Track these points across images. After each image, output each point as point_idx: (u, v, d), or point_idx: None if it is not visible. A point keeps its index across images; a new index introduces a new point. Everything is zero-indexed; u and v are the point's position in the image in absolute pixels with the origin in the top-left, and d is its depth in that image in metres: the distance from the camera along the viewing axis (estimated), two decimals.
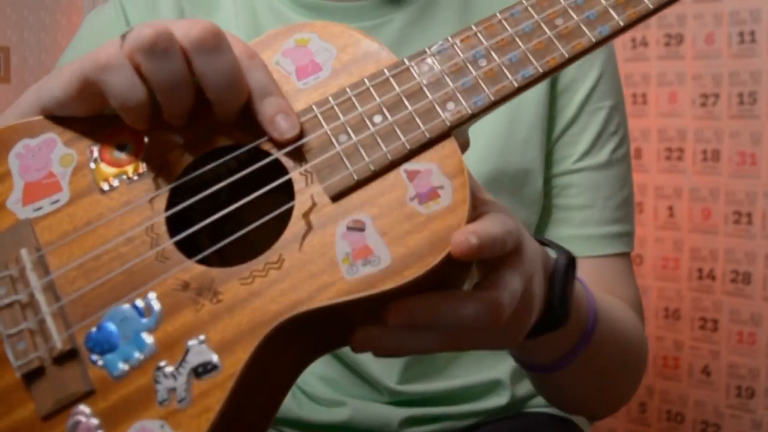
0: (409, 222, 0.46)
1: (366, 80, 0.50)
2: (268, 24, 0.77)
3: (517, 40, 0.50)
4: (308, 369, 0.78)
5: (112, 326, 0.46)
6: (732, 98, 1.46)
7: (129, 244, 0.48)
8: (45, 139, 0.51)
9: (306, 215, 0.47)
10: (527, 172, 0.76)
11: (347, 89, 0.50)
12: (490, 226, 0.46)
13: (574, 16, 0.50)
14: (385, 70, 0.50)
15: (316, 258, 0.46)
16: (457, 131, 0.49)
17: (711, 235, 1.51)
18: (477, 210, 0.49)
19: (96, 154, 0.50)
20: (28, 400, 0.46)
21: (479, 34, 0.51)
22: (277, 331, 0.45)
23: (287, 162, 0.49)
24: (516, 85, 0.49)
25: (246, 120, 0.49)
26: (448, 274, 0.48)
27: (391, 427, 0.77)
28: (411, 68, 0.50)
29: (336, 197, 0.47)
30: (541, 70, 0.50)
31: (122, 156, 0.50)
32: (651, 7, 0.51)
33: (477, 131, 0.74)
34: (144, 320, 0.46)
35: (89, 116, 0.51)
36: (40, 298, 0.47)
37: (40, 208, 0.49)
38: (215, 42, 0.47)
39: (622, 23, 0.50)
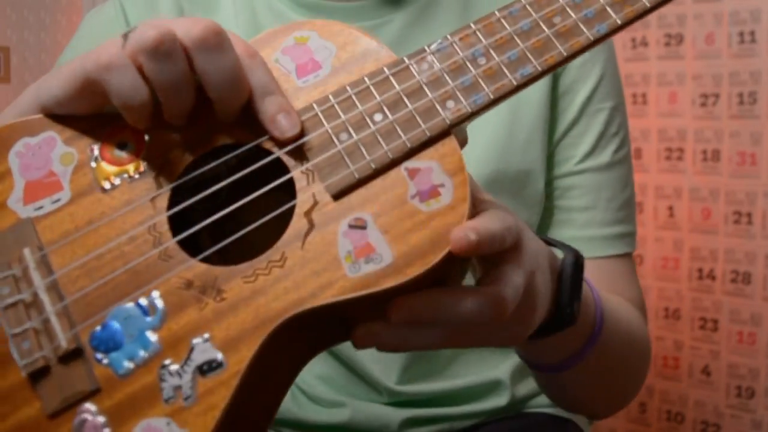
0: (410, 220, 0.46)
1: (366, 78, 0.50)
2: (267, 24, 0.77)
3: (516, 38, 0.50)
4: (308, 369, 0.79)
5: (116, 325, 0.46)
6: (732, 98, 1.46)
7: (131, 243, 0.48)
8: (45, 138, 0.51)
9: (308, 213, 0.47)
10: (528, 173, 0.76)
11: (347, 87, 0.50)
12: (488, 222, 0.47)
13: (572, 14, 0.51)
14: (385, 69, 0.50)
15: (319, 256, 0.46)
16: (456, 129, 0.50)
17: (711, 235, 1.51)
18: (476, 209, 0.49)
19: (96, 152, 0.50)
20: (33, 399, 0.46)
21: (478, 33, 0.51)
22: (280, 328, 0.46)
23: (288, 161, 0.49)
24: (515, 83, 0.50)
25: (246, 119, 0.49)
26: (448, 270, 0.49)
27: (390, 428, 0.77)
28: (410, 66, 0.50)
29: (337, 195, 0.48)
30: (539, 69, 0.50)
31: (123, 155, 0.50)
32: (648, 5, 0.51)
33: (477, 132, 0.75)
34: (148, 319, 0.46)
35: (89, 114, 0.51)
36: (44, 297, 0.47)
37: (41, 207, 0.49)
38: (217, 41, 0.47)
39: (619, 21, 0.51)
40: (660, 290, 1.57)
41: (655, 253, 1.57)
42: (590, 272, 0.77)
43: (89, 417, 0.45)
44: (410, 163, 0.48)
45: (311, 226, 0.47)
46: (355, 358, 0.76)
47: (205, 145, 0.50)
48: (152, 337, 0.46)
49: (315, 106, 0.50)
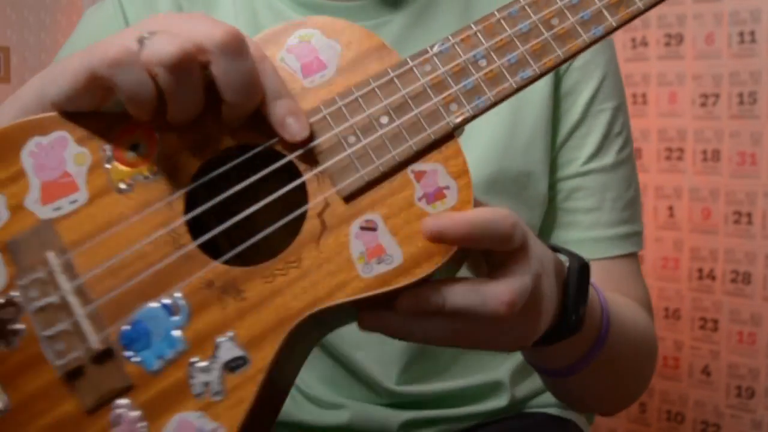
0: (417, 222, 0.49)
1: (371, 80, 0.51)
2: (267, 23, 0.77)
3: (516, 40, 0.52)
4: (307, 370, 0.79)
5: (143, 325, 0.49)
6: (732, 98, 1.46)
7: (152, 245, 0.50)
8: (57, 138, 0.51)
9: (320, 215, 0.50)
10: (529, 174, 0.76)
11: (353, 89, 0.51)
12: (470, 214, 0.48)
13: (570, 16, 0.52)
14: (389, 71, 0.51)
15: (333, 257, 0.49)
16: (457, 131, 0.51)
17: (711, 235, 1.51)
18: None
19: (110, 153, 0.51)
20: (70, 397, 0.48)
21: (479, 34, 0.52)
22: (299, 326, 0.49)
23: (299, 163, 0.51)
24: (515, 86, 0.52)
25: (256, 120, 0.50)
26: (456, 269, 0.52)
27: (390, 429, 0.77)
28: (414, 69, 0.51)
29: (348, 198, 0.50)
30: (538, 72, 0.52)
31: (136, 155, 0.51)
32: (642, 7, 0.53)
33: (478, 133, 0.75)
34: (174, 318, 0.49)
35: (96, 113, 0.52)
36: (72, 300, 0.49)
37: (59, 208, 0.50)
38: (238, 46, 0.47)
39: (614, 24, 0.52)
40: (660, 290, 1.57)
41: (655, 253, 1.57)
42: (596, 273, 0.77)
43: (125, 411, 0.48)
44: (416, 166, 0.50)
45: (324, 227, 0.49)
46: (354, 358, 0.76)
47: (216, 146, 0.51)
48: (179, 335, 0.49)
49: (323, 108, 0.51)
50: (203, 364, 0.48)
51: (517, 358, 0.81)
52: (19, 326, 0.49)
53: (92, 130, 0.51)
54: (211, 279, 0.49)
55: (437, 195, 0.50)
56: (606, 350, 0.64)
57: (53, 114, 0.52)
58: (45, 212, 0.50)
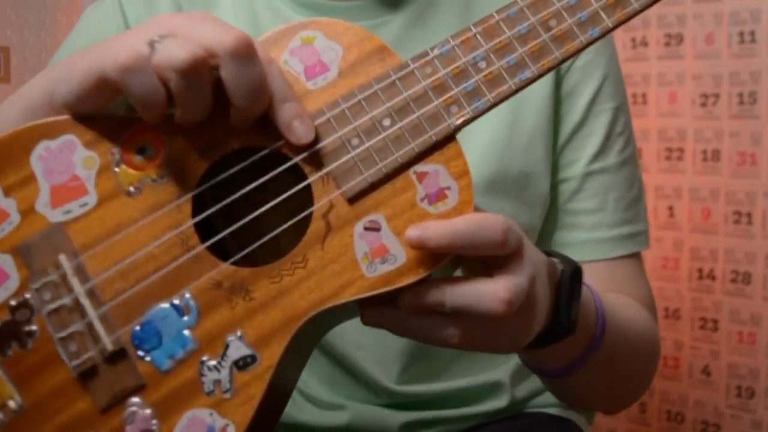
0: (420, 222, 0.50)
1: (373, 83, 0.52)
2: (268, 24, 0.77)
3: (515, 42, 0.53)
4: (307, 370, 0.80)
5: (154, 325, 0.50)
6: (732, 98, 1.46)
7: (161, 247, 0.51)
8: (65, 141, 0.52)
9: (325, 216, 0.51)
10: (530, 174, 0.76)
11: (356, 92, 0.52)
12: (456, 223, 0.49)
13: (567, 18, 0.53)
14: (391, 73, 0.52)
15: (338, 257, 0.50)
16: None
17: (711, 235, 1.51)
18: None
19: (118, 156, 0.52)
20: (84, 395, 0.50)
21: (478, 36, 0.53)
22: (306, 324, 0.50)
23: (304, 165, 0.52)
24: (514, 87, 0.52)
25: (261, 122, 0.51)
26: (456, 267, 0.54)
27: (390, 430, 0.77)
28: (415, 71, 0.52)
29: (352, 199, 0.51)
30: (537, 73, 0.53)
31: (144, 159, 0.52)
32: (638, 7, 0.53)
33: (478, 133, 0.74)
34: (184, 318, 0.50)
35: (104, 116, 0.52)
36: (85, 302, 0.50)
37: (69, 212, 0.51)
38: (248, 52, 0.48)
39: (611, 25, 0.53)
40: (660, 290, 1.57)
41: (655, 253, 1.57)
42: (599, 274, 0.77)
43: (138, 409, 0.50)
44: (418, 167, 0.51)
45: (329, 228, 0.51)
46: (354, 358, 0.76)
47: (222, 149, 0.52)
48: (189, 335, 0.50)
49: (326, 110, 0.52)
50: (213, 362, 0.50)
51: (517, 358, 0.81)
52: (33, 327, 0.50)
53: (100, 134, 0.52)
54: (219, 280, 0.51)
55: (439, 196, 0.51)
56: (603, 351, 0.64)
57: (60, 117, 0.52)
58: (55, 216, 0.51)
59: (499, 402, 0.80)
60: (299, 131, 0.50)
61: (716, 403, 1.51)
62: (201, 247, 0.51)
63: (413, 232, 0.49)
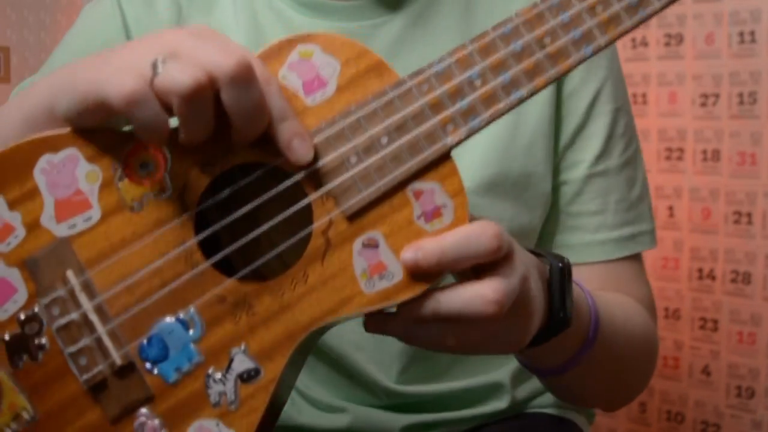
0: (417, 239, 0.52)
1: (371, 100, 0.53)
2: (267, 23, 0.77)
3: (510, 60, 0.53)
4: (307, 372, 0.80)
5: (161, 339, 0.52)
6: (732, 98, 1.46)
7: (166, 263, 0.52)
8: (68, 155, 0.52)
9: (324, 233, 0.52)
10: (531, 175, 0.76)
11: (354, 109, 0.52)
12: (443, 240, 0.51)
13: (561, 35, 0.53)
14: (388, 90, 0.53)
15: (338, 273, 0.52)
16: None
17: (711, 235, 1.51)
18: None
19: (121, 171, 0.52)
20: (95, 406, 0.52)
21: (474, 54, 0.53)
22: (307, 338, 0.52)
23: (304, 182, 0.52)
24: (509, 106, 0.53)
25: (262, 138, 0.52)
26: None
27: None
28: (413, 89, 0.53)
29: (351, 217, 0.52)
30: (530, 91, 0.53)
31: (147, 173, 0.52)
32: (629, 25, 0.54)
33: (480, 134, 0.74)
34: (190, 332, 0.52)
35: (106, 130, 0.53)
36: (93, 318, 0.52)
37: (74, 226, 0.52)
38: (248, 75, 0.48)
39: (602, 43, 0.54)
40: (660, 290, 1.57)
41: (655, 253, 1.57)
42: (600, 275, 0.77)
43: (147, 420, 0.52)
44: (415, 185, 0.52)
45: (329, 245, 0.52)
46: (353, 358, 0.76)
47: (224, 164, 0.53)
48: (195, 348, 0.52)
49: (325, 127, 0.52)
50: (219, 375, 0.52)
51: (516, 360, 0.81)
52: (43, 341, 0.52)
53: (102, 148, 0.53)
54: (223, 295, 0.52)
55: (435, 213, 0.52)
56: (597, 349, 0.65)
57: (62, 131, 0.53)
58: (61, 230, 0.52)
59: (499, 403, 0.80)
60: (299, 151, 0.51)
61: (716, 403, 1.51)
62: (205, 264, 0.52)
63: (408, 254, 0.51)
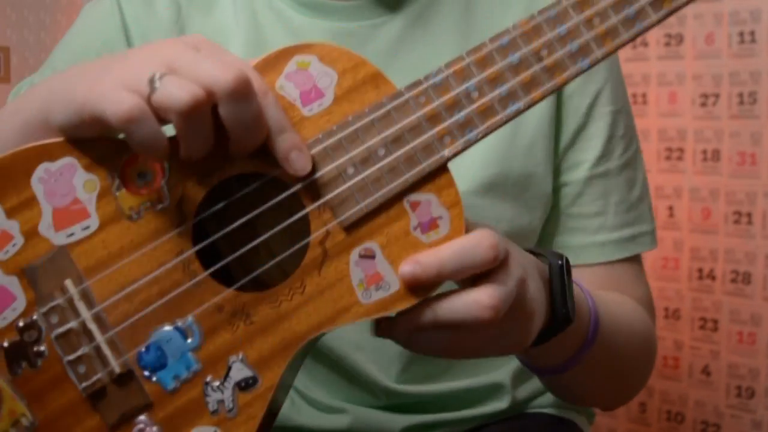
0: (413, 250, 0.52)
1: (368, 111, 0.53)
2: (267, 23, 0.77)
3: (507, 73, 0.54)
4: (306, 373, 0.80)
5: (159, 347, 0.52)
6: (732, 98, 1.46)
7: (164, 272, 0.52)
8: (65, 164, 0.53)
9: (321, 243, 0.52)
10: (530, 176, 0.76)
11: (351, 121, 0.53)
12: (442, 252, 0.51)
13: (558, 49, 0.54)
14: (385, 102, 0.53)
15: (335, 283, 0.52)
16: None
17: (711, 235, 1.51)
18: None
19: (119, 181, 0.53)
20: (94, 413, 0.52)
21: (471, 66, 0.54)
22: (304, 347, 0.53)
23: (301, 193, 0.53)
24: (505, 119, 0.54)
25: (260, 149, 0.52)
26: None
27: None
28: (410, 101, 0.53)
29: (348, 228, 0.52)
30: (527, 104, 0.54)
31: (144, 183, 0.53)
32: (627, 37, 0.54)
33: None
34: (188, 341, 0.52)
35: (103, 139, 0.53)
36: (92, 327, 0.52)
37: (72, 234, 0.52)
38: (246, 91, 0.49)
39: (599, 56, 0.54)
40: (660, 290, 1.56)
41: (655, 253, 1.57)
42: (599, 276, 0.77)
43: (146, 427, 0.52)
44: (411, 196, 0.53)
45: (326, 255, 0.52)
46: (353, 358, 0.76)
47: (221, 174, 0.53)
48: (193, 357, 0.52)
49: (322, 139, 0.53)
50: (217, 383, 0.52)
51: (517, 360, 0.81)
52: (42, 348, 0.52)
53: (100, 157, 0.53)
54: (221, 304, 0.52)
55: (431, 225, 0.52)
56: (597, 348, 0.65)
57: (60, 140, 0.53)
58: (59, 239, 0.52)
59: (500, 403, 0.80)
60: (297, 163, 0.51)
61: (716, 403, 1.51)
62: (204, 274, 0.52)
63: (406, 268, 0.51)
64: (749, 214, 1.46)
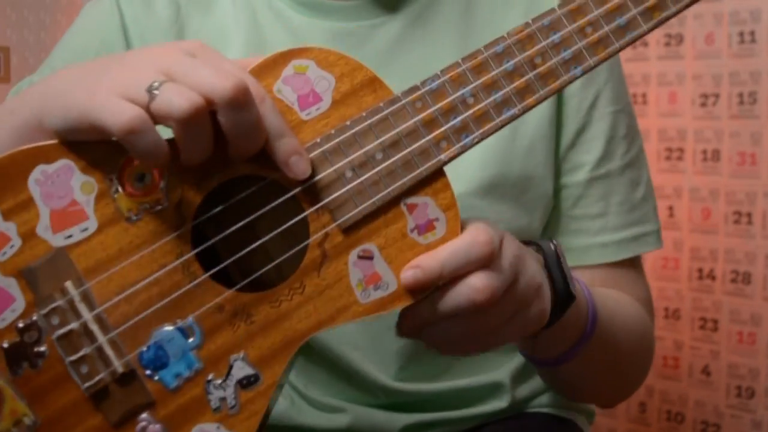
0: (411, 251, 0.53)
1: (366, 116, 0.54)
2: (267, 23, 0.77)
3: (502, 80, 0.55)
4: (305, 372, 0.81)
5: (161, 347, 0.53)
6: (732, 98, 1.46)
7: (164, 274, 0.53)
8: (62, 166, 0.53)
9: (321, 245, 0.53)
10: (530, 177, 0.76)
11: (349, 125, 0.54)
12: (436, 252, 0.53)
13: (552, 55, 0.56)
14: (383, 107, 0.54)
15: (334, 284, 0.53)
16: None
17: (711, 235, 1.51)
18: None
19: (117, 182, 0.53)
20: (96, 412, 0.53)
21: (467, 73, 0.55)
22: (304, 346, 0.54)
23: (300, 196, 0.54)
24: (500, 124, 0.55)
25: (259, 152, 0.52)
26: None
27: None
28: (406, 106, 0.54)
29: (346, 230, 0.53)
30: (521, 111, 0.55)
31: (143, 185, 0.53)
32: (617, 46, 0.56)
33: None
34: (189, 340, 0.53)
35: (101, 141, 0.52)
36: (94, 327, 0.52)
37: (70, 236, 0.53)
38: (244, 98, 0.49)
39: (592, 63, 0.56)
40: (660, 290, 1.57)
41: (655, 253, 1.57)
42: (600, 277, 0.77)
43: (148, 424, 0.53)
44: (409, 199, 0.54)
45: (325, 256, 0.53)
46: (351, 357, 0.76)
47: (220, 176, 0.53)
48: (195, 356, 0.53)
49: (320, 143, 0.53)
50: (219, 381, 0.53)
51: (517, 359, 0.81)
52: (42, 348, 0.52)
53: (97, 159, 0.53)
54: (222, 304, 0.53)
55: (428, 227, 0.54)
56: (595, 341, 0.66)
57: (56, 142, 0.53)
58: (57, 240, 0.52)
59: (499, 402, 0.80)
60: (297, 168, 0.52)
61: (716, 403, 1.51)
62: (204, 276, 0.53)
63: (408, 274, 0.53)
64: (749, 214, 1.46)
